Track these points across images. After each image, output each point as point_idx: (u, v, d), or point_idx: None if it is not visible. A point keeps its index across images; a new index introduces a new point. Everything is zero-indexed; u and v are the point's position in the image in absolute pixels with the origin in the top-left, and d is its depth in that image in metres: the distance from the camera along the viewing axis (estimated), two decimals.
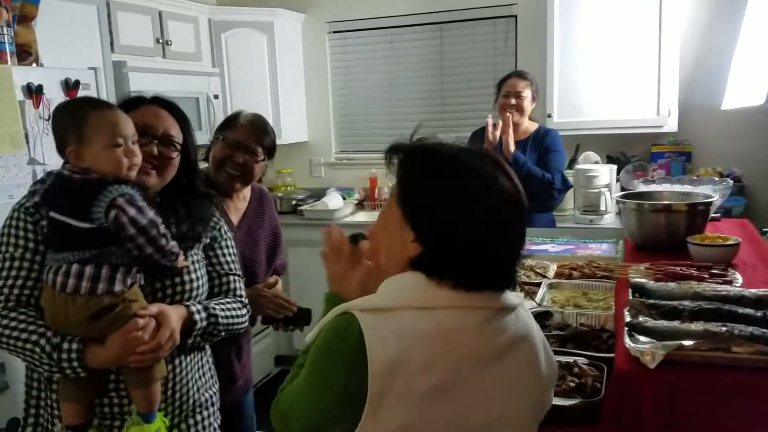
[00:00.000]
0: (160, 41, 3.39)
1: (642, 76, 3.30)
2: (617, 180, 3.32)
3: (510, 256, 0.99)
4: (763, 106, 2.75)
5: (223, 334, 1.49)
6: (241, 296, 1.58)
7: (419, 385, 0.91)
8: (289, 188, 4.33)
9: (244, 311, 1.56)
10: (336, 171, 4.38)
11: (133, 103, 1.48)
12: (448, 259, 0.96)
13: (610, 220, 3.21)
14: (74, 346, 1.28)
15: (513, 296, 1.03)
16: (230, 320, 1.50)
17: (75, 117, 1.31)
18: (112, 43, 3.03)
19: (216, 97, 3.62)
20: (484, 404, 0.96)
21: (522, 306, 1.05)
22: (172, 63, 3.46)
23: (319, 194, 4.13)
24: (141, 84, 3.01)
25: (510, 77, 2.96)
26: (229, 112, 2.40)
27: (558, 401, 1.21)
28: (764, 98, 2.66)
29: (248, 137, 1.90)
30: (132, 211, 1.27)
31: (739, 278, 1.58)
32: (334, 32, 4.28)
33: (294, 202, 4.10)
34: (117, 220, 1.26)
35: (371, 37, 4.22)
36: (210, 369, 1.58)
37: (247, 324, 1.60)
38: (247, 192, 2.01)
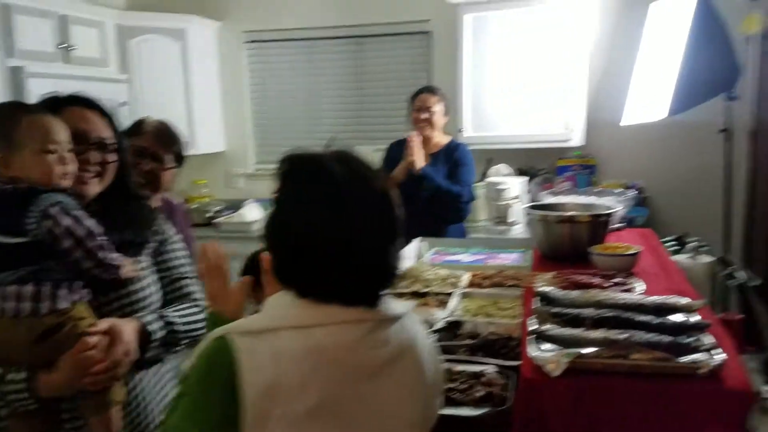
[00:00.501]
0: (62, 46, 3.22)
1: (550, 92, 3.46)
2: (528, 192, 3.44)
3: (379, 267, 0.98)
4: (663, 121, 2.92)
5: (184, 343, 1.40)
6: (198, 300, 1.47)
7: (298, 407, 0.89)
8: (205, 199, 4.20)
9: (202, 315, 1.46)
10: (255, 182, 4.30)
11: (51, 106, 1.33)
12: (304, 273, 0.95)
13: (520, 230, 3.32)
14: (20, 375, 1.17)
15: (398, 306, 1.02)
16: (190, 326, 1.40)
17: (2, 121, 1.21)
18: (11, 47, 2.90)
19: (124, 104, 3.47)
20: (370, 419, 0.95)
21: (408, 315, 1.04)
22: (76, 68, 3.30)
23: (236, 206, 4.03)
24: (41, 90, 2.83)
25: (421, 92, 3.04)
26: None
27: (467, 411, 1.22)
28: (666, 113, 2.83)
29: (154, 144, 1.83)
30: (67, 221, 1.17)
31: (639, 286, 1.65)
32: (251, 42, 4.22)
33: (209, 214, 3.98)
34: (51, 231, 1.16)
35: (289, 48, 4.19)
36: (174, 386, 1.47)
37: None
38: (155, 202, 1.93)
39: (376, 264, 0.97)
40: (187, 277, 1.49)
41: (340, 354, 0.93)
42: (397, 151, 2.98)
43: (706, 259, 2.13)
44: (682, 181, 3.50)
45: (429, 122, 2.99)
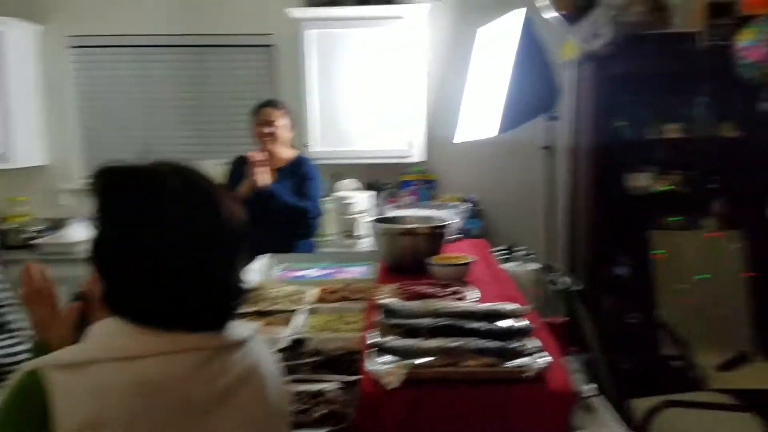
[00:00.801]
0: None
1: (394, 110, 3.56)
2: (375, 206, 3.50)
3: (222, 288, 0.92)
4: (494, 139, 3.11)
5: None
6: (15, 329, 1.32)
7: None
8: (24, 218, 3.78)
9: (21, 347, 1.30)
10: (82, 199, 3.94)
11: None
12: (137, 299, 0.87)
13: (368, 243, 3.37)
14: None
15: (243, 329, 0.97)
16: (5, 359, 1.27)
17: None
18: None
19: None
20: None
21: (253, 338, 0.99)
22: None
23: (60, 225, 3.66)
24: None
25: (264, 106, 2.98)
26: None
27: None
28: (495, 131, 3.01)
29: None
30: None
31: (473, 294, 1.72)
32: (76, 47, 3.89)
33: (27, 235, 3.58)
34: None
35: (120, 55, 3.92)
36: None
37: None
38: None
39: (217, 285, 0.91)
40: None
41: (172, 386, 0.86)
42: (241, 166, 2.88)
43: (533, 266, 2.29)
44: (512, 194, 3.76)
45: (273, 136, 2.93)
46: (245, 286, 0.96)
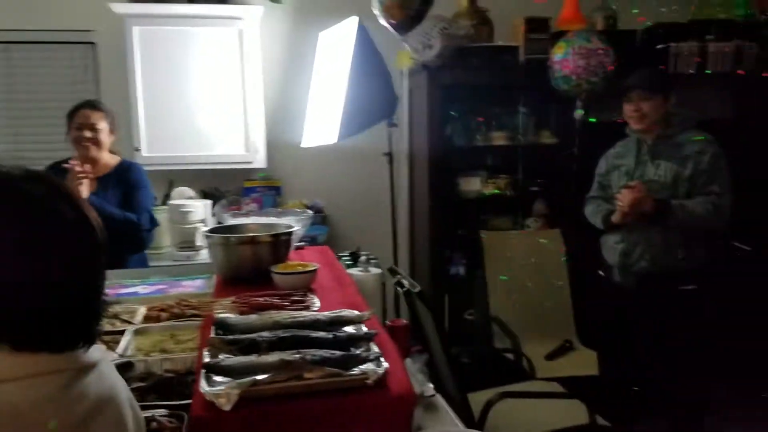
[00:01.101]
0: None
1: (230, 113, 3.42)
2: (213, 215, 3.34)
3: (86, 304, 0.84)
4: (338, 144, 3.12)
5: None
6: None
7: None
8: None
9: None
10: None
11: None
12: None
13: (206, 255, 3.19)
14: None
15: (94, 351, 0.87)
16: None
17: None
18: None
19: None
20: None
21: (105, 360, 0.90)
22: None
23: None
24: None
25: (82, 107, 2.67)
26: None
27: None
28: (336, 138, 3.01)
29: None
30: None
31: (316, 302, 1.68)
32: None
33: None
34: None
35: None
36: None
37: None
38: None
39: (84, 301, 0.83)
40: None
41: (39, 411, 0.77)
42: (58, 175, 2.58)
43: (376, 270, 2.31)
44: (357, 200, 3.79)
45: (94, 141, 2.65)
46: (102, 300, 0.87)
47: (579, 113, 3.14)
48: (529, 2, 3.41)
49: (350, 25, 3.04)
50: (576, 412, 2.33)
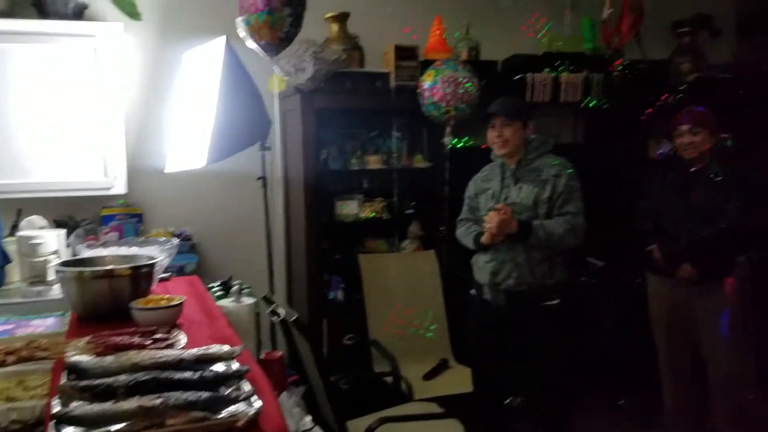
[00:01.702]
0: None
1: (86, 135, 3.19)
2: (67, 246, 3.06)
3: None
4: (208, 168, 2.99)
5: None
6: None
7: None
8: None
9: None
10: None
11: None
12: None
13: (59, 291, 2.92)
14: None
15: None
16: None
17: None
18: None
19: None
20: None
21: None
22: None
23: None
24: None
25: None
26: None
27: None
28: (205, 161, 2.89)
29: None
30: None
31: (182, 339, 1.57)
32: None
33: None
34: None
35: None
36: None
37: None
38: None
39: None
40: None
41: None
42: None
43: (249, 300, 2.22)
44: (229, 226, 3.65)
45: None
46: None
47: (448, 138, 3.26)
48: (397, 30, 3.51)
49: (218, 45, 2.95)
50: (453, 430, 2.37)
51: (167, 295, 1.83)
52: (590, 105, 3.65)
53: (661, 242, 2.95)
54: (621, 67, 3.65)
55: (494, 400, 2.82)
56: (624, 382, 3.49)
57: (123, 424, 1.03)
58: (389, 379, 2.93)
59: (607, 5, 3.68)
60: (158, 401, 1.10)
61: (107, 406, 1.10)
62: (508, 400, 2.84)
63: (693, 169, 2.91)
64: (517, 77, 3.53)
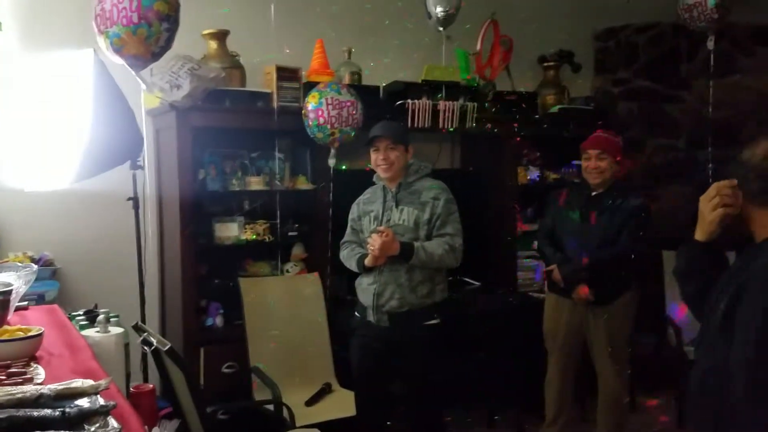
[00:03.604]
0: None
1: None
2: None
3: None
4: (74, 189, 2.78)
5: None
6: None
7: None
8: None
9: None
10: None
11: None
12: None
13: None
14: None
15: None
16: None
17: None
18: None
19: None
20: None
21: None
22: None
23: None
24: None
25: None
26: None
27: None
28: (72, 180, 2.69)
29: None
30: None
31: (41, 373, 1.44)
32: None
33: None
34: None
35: None
36: None
37: None
38: None
39: None
40: None
41: None
42: None
43: (118, 329, 2.07)
44: (96, 250, 3.39)
45: None
46: None
47: (333, 161, 3.26)
48: (279, 51, 3.48)
49: (85, 57, 2.76)
50: None
51: (24, 326, 1.67)
52: (467, 132, 3.82)
53: (560, 263, 3.11)
54: (492, 97, 3.87)
55: (377, 422, 2.82)
56: (501, 399, 3.63)
57: None
58: (270, 407, 2.84)
59: (479, 39, 3.89)
60: None
61: None
62: (389, 423, 2.85)
63: (594, 194, 3.10)
64: (398, 103, 3.62)
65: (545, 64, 4.36)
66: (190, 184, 3.22)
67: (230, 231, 3.44)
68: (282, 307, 3.30)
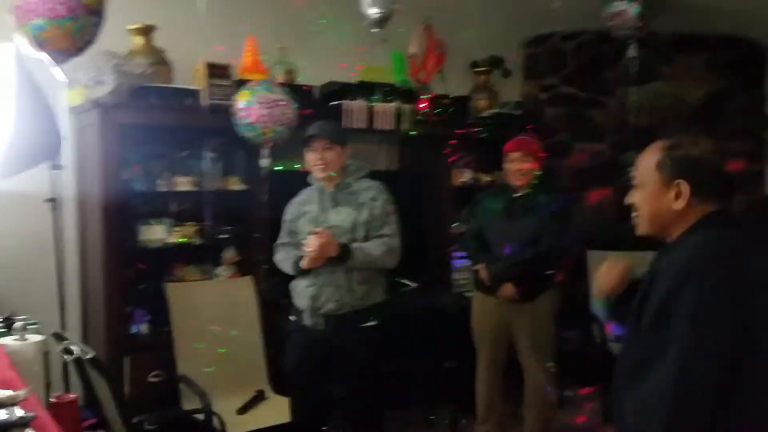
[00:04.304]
0: None
1: None
2: None
3: None
4: None
5: None
6: None
7: None
8: None
9: None
10: None
11: None
12: None
13: None
14: None
15: None
16: None
17: None
18: None
19: None
20: None
21: None
22: None
23: None
24: None
25: None
26: None
27: None
28: None
29: None
30: None
31: None
32: None
33: None
34: None
35: None
36: None
37: None
38: None
39: None
40: None
41: None
42: None
43: (37, 337, 1.93)
44: (12, 254, 3.16)
45: None
46: None
47: (265, 161, 3.18)
48: (208, 47, 3.36)
49: (4, 51, 2.58)
50: None
51: None
52: (403, 133, 3.83)
53: (486, 262, 3.16)
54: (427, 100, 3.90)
55: (313, 428, 2.77)
56: (437, 398, 3.65)
57: None
58: (200, 416, 2.74)
59: (414, 43, 3.91)
60: None
61: None
62: (325, 428, 2.81)
63: (517, 195, 3.16)
64: (334, 103, 3.58)
65: (476, 69, 4.43)
66: (114, 184, 3.07)
67: (156, 233, 3.30)
68: (212, 312, 3.19)
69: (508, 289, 3.09)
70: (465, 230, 3.39)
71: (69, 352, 1.82)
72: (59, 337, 1.94)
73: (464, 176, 4.20)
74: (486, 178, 4.24)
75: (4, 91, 2.52)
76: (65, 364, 2.68)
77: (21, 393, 1.16)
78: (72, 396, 1.77)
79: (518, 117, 4.24)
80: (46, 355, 2.02)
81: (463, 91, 4.30)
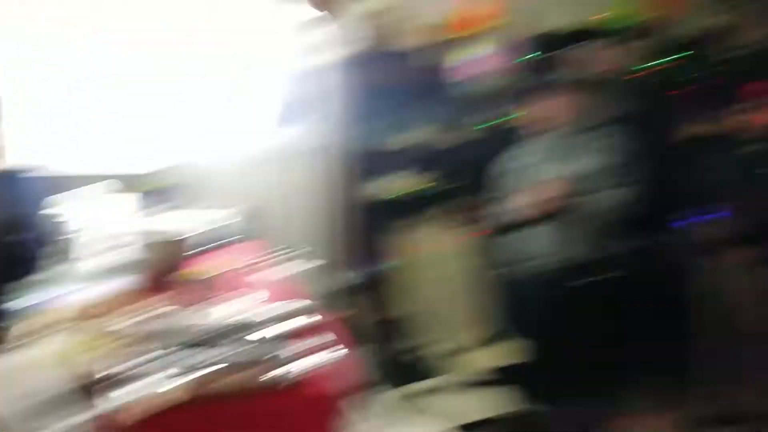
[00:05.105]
0: None
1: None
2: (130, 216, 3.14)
3: None
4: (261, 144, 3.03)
5: None
6: None
7: None
8: None
9: None
10: None
11: None
12: None
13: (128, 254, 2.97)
14: None
15: None
16: None
17: None
18: None
19: None
20: None
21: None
22: None
23: None
24: None
25: None
26: None
27: None
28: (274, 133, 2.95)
29: None
30: None
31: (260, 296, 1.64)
32: None
33: None
34: None
35: None
36: None
37: None
38: None
39: None
40: None
41: None
42: None
43: (312, 264, 2.26)
44: (292, 196, 3.51)
45: None
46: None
47: (491, 113, 3.21)
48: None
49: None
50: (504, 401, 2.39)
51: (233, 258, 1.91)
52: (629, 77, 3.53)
53: None
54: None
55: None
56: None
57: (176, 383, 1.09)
58: (431, 350, 2.92)
59: None
60: (208, 361, 1.16)
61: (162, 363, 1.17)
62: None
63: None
64: (559, 51, 3.44)
65: None
66: (361, 138, 3.37)
67: (393, 185, 3.54)
68: (447, 260, 3.37)
69: None
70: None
71: (337, 279, 2.08)
72: (330, 266, 2.21)
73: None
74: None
75: None
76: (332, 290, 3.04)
77: (308, 304, 1.42)
78: (343, 313, 2.04)
79: None
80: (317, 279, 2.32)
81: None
